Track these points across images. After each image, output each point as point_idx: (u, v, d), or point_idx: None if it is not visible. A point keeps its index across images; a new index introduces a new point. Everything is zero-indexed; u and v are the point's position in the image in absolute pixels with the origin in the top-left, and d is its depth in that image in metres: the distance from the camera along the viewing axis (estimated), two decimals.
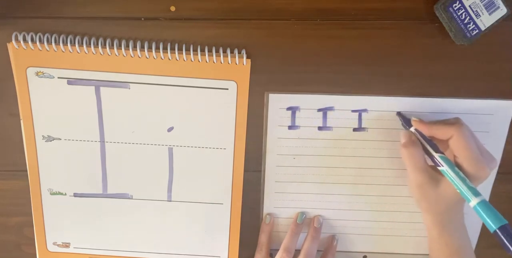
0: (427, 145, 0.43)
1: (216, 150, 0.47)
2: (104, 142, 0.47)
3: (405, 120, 0.45)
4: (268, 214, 0.49)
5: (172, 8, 0.44)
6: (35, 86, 0.45)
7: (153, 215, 0.49)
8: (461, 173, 0.40)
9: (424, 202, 0.44)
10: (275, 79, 0.45)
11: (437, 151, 0.42)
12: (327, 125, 0.47)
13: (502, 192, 0.49)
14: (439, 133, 0.42)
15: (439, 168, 0.41)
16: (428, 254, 0.49)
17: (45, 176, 0.48)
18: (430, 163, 0.43)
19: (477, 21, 0.42)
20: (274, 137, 0.47)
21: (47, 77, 0.45)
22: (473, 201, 0.39)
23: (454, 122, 0.42)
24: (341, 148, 0.47)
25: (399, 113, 0.46)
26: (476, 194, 0.39)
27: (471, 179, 0.40)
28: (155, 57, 0.44)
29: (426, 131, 0.43)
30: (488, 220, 0.38)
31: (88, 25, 0.44)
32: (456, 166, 0.41)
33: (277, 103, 0.46)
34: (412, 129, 0.44)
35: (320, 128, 0.47)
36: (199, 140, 0.47)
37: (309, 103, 0.46)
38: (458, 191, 0.40)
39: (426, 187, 0.42)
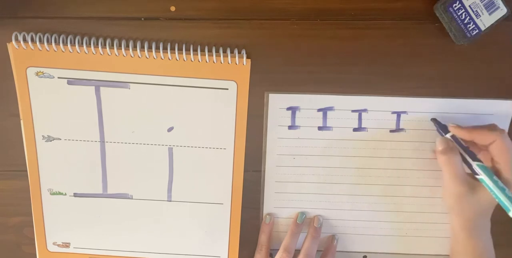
0: (465, 153, 0.42)
1: (216, 150, 0.47)
2: (104, 142, 0.47)
3: (441, 126, 0.44)
4: (268, 214, 0.49)
5: (172, 8, 0.44)
6: (35, 86, 0.45)
7: (153, 215, 0.49)
8: (499, 182, 0.40)
9: (457, 208, 0.43)
10: (275, 79, 0.45)
11: (474, 159, 0.41)
12: (327, 125, 0.47)
13: None
14: (480, 137, 0.42)
15: (477, 176, 0.41)
16: (428, 254, 0.49)
17: (45, 176, 0.48)
18: (467, 170, 0.43)
19: (477, 21, 0.42)
20: (274, 137, 0.47)
21: (47, 77, 0.45)
22: None
23: (495, 127, 0.42)
24: (341, 148, 0.47)
25: (434, 120, 0.45)
26: None
27: (510, 184, 0.40)
28: (155, 57, 0.44)
29: (467, 136, 0.42)
30: None
31: (88, 25, 0.44)
32: (495, 172, 0.41)
33: (277, 103, 0.46)
34: (448, 136, 0.44)
35: (320, 128, 0.47)
36: (199, 140, 0.47)
37: (309, 103, 0.46)
38: (496, 200, 0.40)
39: (464, 195, 0.41)
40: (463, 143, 0.43)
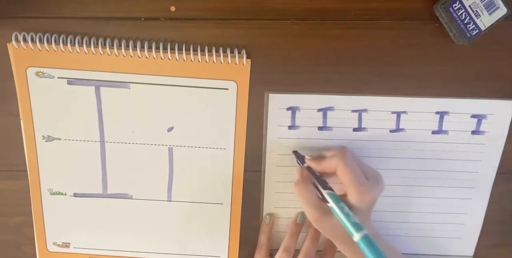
0: (317, 182, 0.43)
1: (216, 150, 0.47)
2: (104, 142, 0.47)
3: (300, 157, 0.46)
4: (268, 214, 0.49)
5: (172, 8, 0.44)
6: (35, 86, 0.45)
7: (153, 215, 0.49)
8: (345, 209, 0.40)
9: (325, 233, 0.43)
10: (275, 79, 0.45)
11: (324, 187, 0.42)
12: (327, 125, 0.47)
13: (502, 192, 0.49)
14: (327, 167, 0.43)
15: (327, 204, 0.41)
16: (428, 254, 0.49)
17: (45, 176, 0.48)
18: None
19: (477, 21, 0.42)
20: (274, 137, 0.47)
21: (47, 77, 0.45)
22: (356, 236, 0.38)
23: (335, 153, 0.42)
24: None
25: (295, 152, 0.46)
26: (359, 229, 0.38)
27: (358, 204, 0.40)
28: (155, 57, 0.44)
29: (318, 168, 0.44)
30: (369, 254, 0.37)
31: (88, 25, 0.44)
32: (346, 193, 0.41)
33: (277, 103, 0.46)
34: (304, 166, 0.45)
35: (320, 128, 0.47)
36: (199, 140, 0.47)
37: (309, 103, 0.46)
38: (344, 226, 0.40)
39: (322, 220, 0.42)
40: (316, 172, 0.44)
